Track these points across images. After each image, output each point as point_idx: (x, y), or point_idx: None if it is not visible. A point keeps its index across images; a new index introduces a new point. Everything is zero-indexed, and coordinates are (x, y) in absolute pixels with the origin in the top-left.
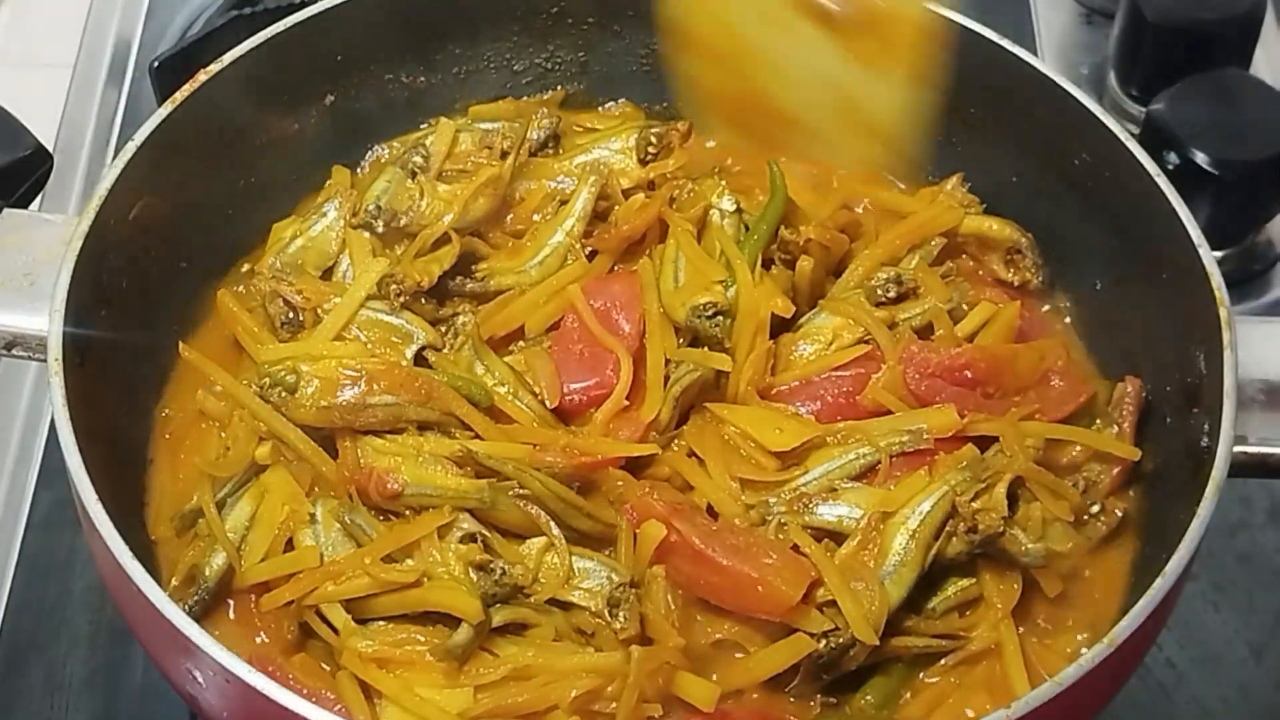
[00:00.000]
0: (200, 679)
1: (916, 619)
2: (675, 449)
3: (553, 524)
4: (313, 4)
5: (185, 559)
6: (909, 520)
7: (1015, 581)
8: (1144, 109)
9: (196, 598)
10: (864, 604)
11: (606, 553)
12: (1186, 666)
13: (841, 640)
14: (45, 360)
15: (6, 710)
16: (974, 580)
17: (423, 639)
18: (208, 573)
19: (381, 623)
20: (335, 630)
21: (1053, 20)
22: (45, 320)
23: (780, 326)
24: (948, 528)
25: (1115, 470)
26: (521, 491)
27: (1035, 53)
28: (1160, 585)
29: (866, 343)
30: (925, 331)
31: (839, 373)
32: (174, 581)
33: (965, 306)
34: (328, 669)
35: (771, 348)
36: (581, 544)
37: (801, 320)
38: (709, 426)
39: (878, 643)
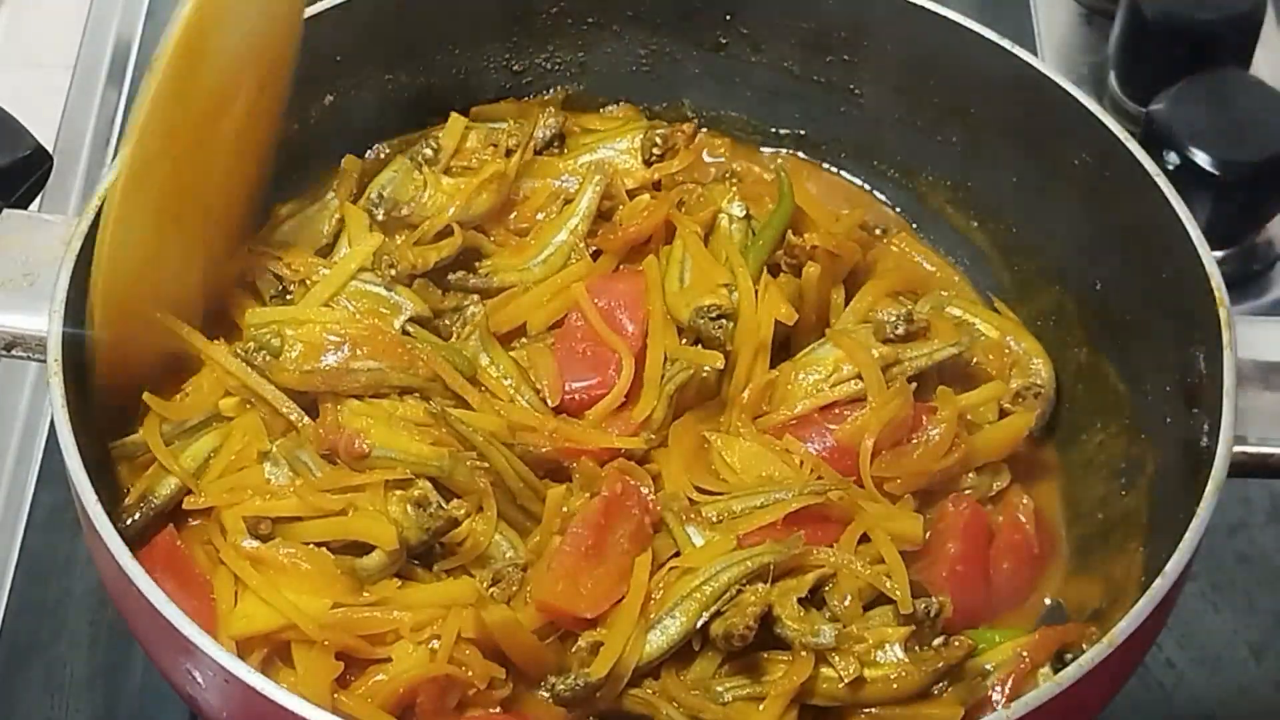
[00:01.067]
0: (200, 679)
1: (688, 690)
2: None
3: (491, 497)
4: (313, 4)
5: (139, 483)
6: (697, 579)
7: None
8: (1144, 109)
9: (139, 515)
10: (616, 647)
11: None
12: (1186, 666)
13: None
14: (45, 361)
15: (6, 711)
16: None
17: (305, 559)
18: (156, 496)
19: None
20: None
21: (1053, 20)
22: (45, 320)
23: (781, 349)
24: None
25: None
26: (481, 464)
27: (1035, 53)
28: (1160, 585)
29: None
30: (928, 374)
31: (833, 411)
32: (126, 502)
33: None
34: None
35: (773, 377)
36: (518, 524)
37: (805, 349)
38: (691, 428)
39: (602, 682)
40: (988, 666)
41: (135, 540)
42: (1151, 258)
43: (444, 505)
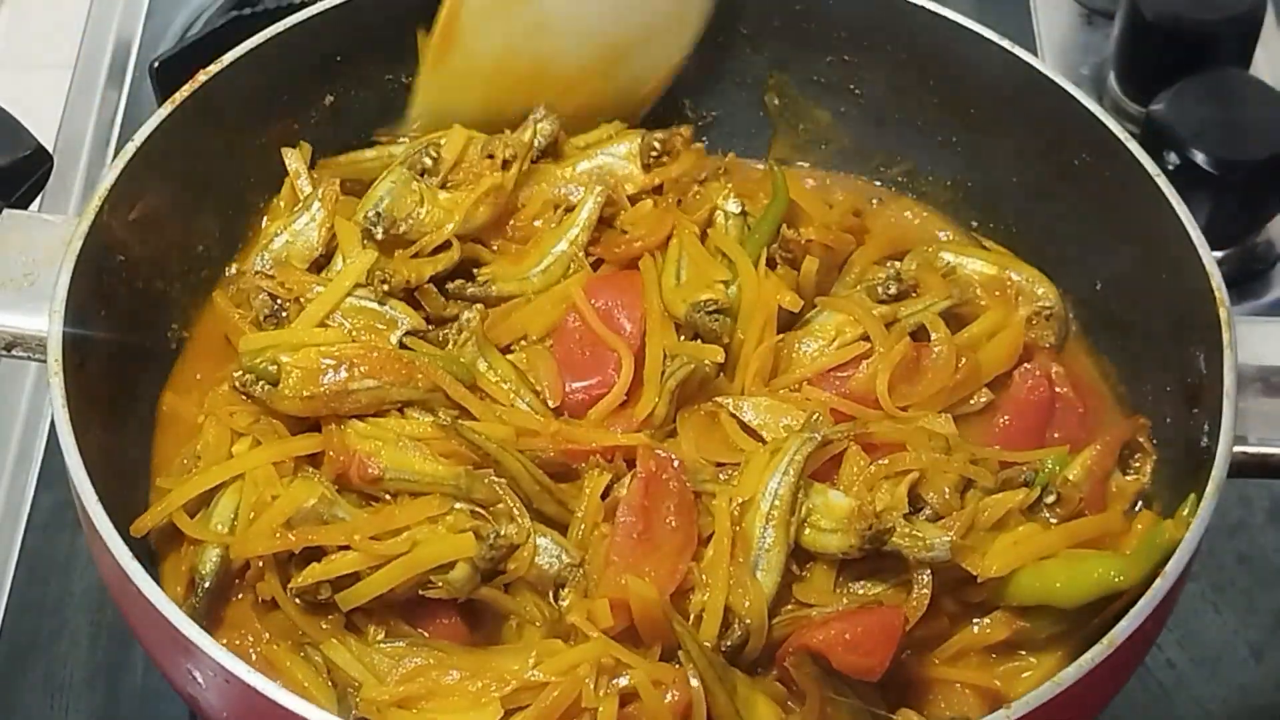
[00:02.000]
0: (200, 679)
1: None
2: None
3: (521, 505)
4: (313, 4)
5: (181, 567)
6: (761, 504)
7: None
8: (1144, 109)
9: (198, 598)
10: (718, 601)
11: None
12: (1186, 667)
13: (733, 640)
14: (45, 361)
15: (7, 711)
16: (879, 585)
17: (431, 660)
18: (204, 570)
19: (385, 644)
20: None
21: (1053, 20)
22: (45, 321)
23: (784, 325)
24: (847, 524)
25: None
26: (496, 479)
27: (1035, 53)
28: (1160, 585)
29: (868, 339)
30: (925, 331)
31: (840, 373)
32: (178, 589)
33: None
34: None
35: (774, 344)
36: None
37: (805, 318)
38: (696, 414)
39: (745, 637)
40: (1070, 477)
41: (208, 621)
42: (1151, 258)
43: (500, 533)
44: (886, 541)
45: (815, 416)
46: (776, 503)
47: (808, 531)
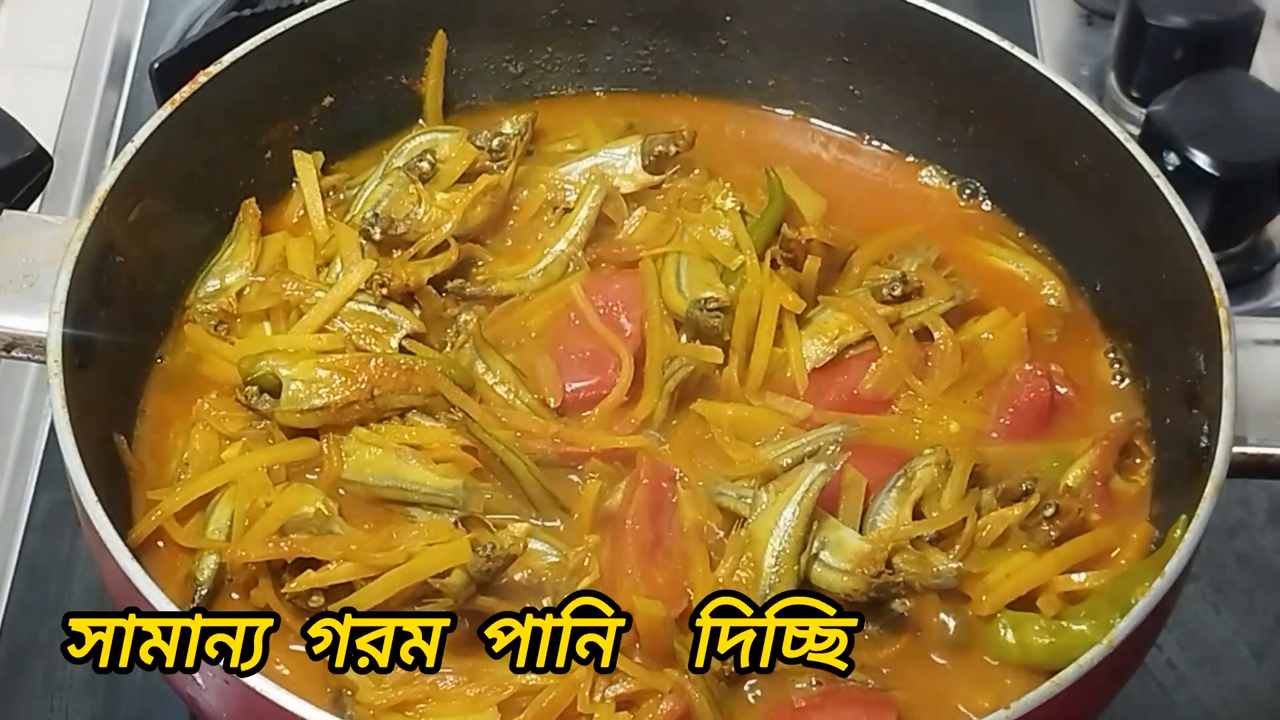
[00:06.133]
0: (200, 680)
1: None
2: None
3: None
4: (313, 4)
5: (180, 571)
6: (773, 538)
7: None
8: (1144, 110)
9: (194, 604)
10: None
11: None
12: (1186, 667)
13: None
14: (45, 362)
15: (7, 711)
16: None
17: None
18: (201, 578)
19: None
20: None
21: (1053, 21)
22: (45, 321)
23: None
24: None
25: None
26: (495, 487)
27: (1035, 53)
28: (1160, 585)
29: (871, 339)
30: (927, 331)
31: (843, 373)
32: (177, 590)
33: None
34: None
35: (771, 345)
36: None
37: (807, 316)
38: (692, 418)
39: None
40: (1069, 483)
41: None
42: (1152, 258)
43: (493, 543)
44: (890, 594)
45: (831, 450)
46: (787, 535)
47: (817, 568)
